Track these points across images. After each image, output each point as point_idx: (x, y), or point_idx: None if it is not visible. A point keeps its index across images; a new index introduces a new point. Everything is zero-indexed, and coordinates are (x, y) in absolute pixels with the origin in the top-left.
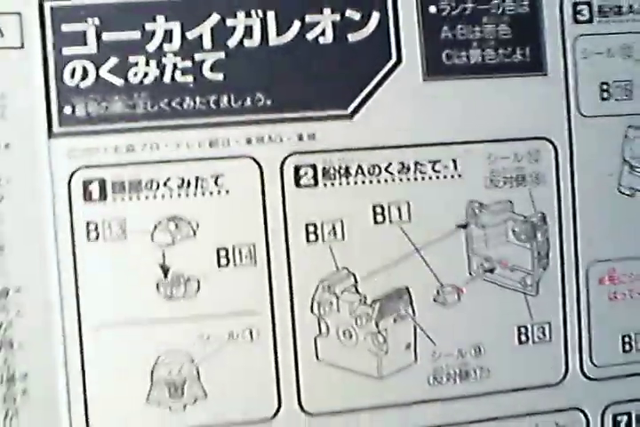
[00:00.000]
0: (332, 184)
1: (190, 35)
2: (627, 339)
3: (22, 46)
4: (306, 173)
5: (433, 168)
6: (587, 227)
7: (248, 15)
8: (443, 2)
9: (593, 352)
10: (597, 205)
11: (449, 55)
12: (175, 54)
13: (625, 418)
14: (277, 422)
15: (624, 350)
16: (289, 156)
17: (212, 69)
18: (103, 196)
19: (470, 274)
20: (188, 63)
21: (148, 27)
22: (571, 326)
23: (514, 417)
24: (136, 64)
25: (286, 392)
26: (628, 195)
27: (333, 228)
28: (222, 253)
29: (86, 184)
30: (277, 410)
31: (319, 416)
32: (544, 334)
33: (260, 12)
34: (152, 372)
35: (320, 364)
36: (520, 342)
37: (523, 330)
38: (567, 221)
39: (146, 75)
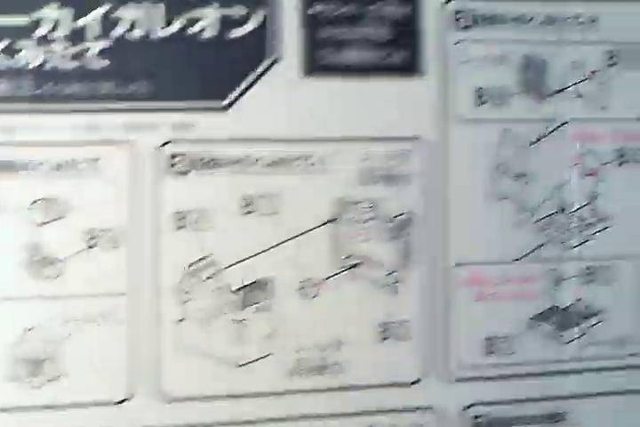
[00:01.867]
0: (204, 174)
1: (79, 23)
2: (490, 341)
3: None
4: (179, 162)
5: (304, 163)
6: (454, 228)
7: (137, 7)
8: (324, 3)
9: (455, 353)
10: (467, 208)
11: (327, 54)
12: (62, 41)
13: (484, 420)
14: (132, 405)
15: (487, 352)
16: (164, 144)
17: (96, 57)
18: None
19: (334, 269)
20: (74, 50)
21: (38, 13)
22: (433, 325)
23: (370, 414)
24: (23, 49)
25: (145, 376)
26: (499, 198)
27: (202, 216)
28: (91, 235)
29: None
30: (133, 393)
31: (175, 402)
32: (405, 332)
33: (148, 4)
34: (14, 348)
35: (180, 349)
36: (381, 339)
37: (384, 327)
38: (435, 222)
39: (32, 59)
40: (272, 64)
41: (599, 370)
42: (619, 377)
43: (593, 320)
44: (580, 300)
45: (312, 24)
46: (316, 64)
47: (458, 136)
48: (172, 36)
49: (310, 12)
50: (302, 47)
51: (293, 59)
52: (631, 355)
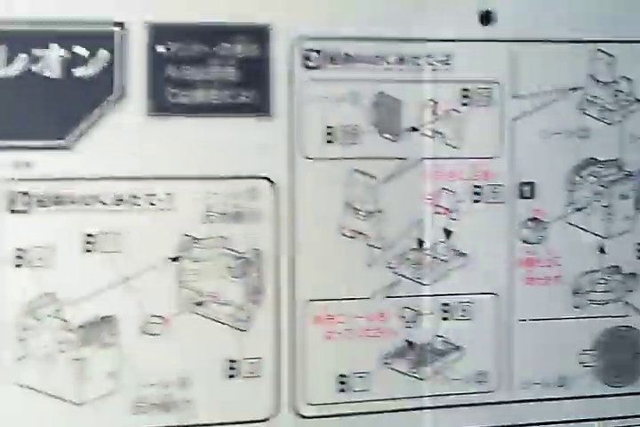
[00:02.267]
0: (46, 211)
1: None
2: (343, 378)
3: None
4: (20, 199)
5: (148, 201)
6: (304, 266)
7: None
8: (171, 42)
9: (306, 390)
10: (317, 245)
11: (174, 94)
12: None
13: None
14: None
15: (340, 390)
16: (3, 182)
17: None
18: None
19: (180, 306)
20: None
21: None
22: (283, 363)
23: None
24: None
25: None
26: (348, 236)
27: (44, 253)
28: None
29: None
30: None
31: None
32: (255, 369)
33: None
34: None
35: (19, 388)
36: (229, 376)
37: (232, 364)
38: (284, 260)
39: None
40: (117, 103)
41: (458, 406)
42: (478, 412)
43: (451, 356)
44: (437, 336)
45: (159, 63)
46: (163, 103)
47: (307, 175)
48: (15, 75)
49: (157, 51)
50: (149, 86)
51: (140, 98)
52: (490, 391)
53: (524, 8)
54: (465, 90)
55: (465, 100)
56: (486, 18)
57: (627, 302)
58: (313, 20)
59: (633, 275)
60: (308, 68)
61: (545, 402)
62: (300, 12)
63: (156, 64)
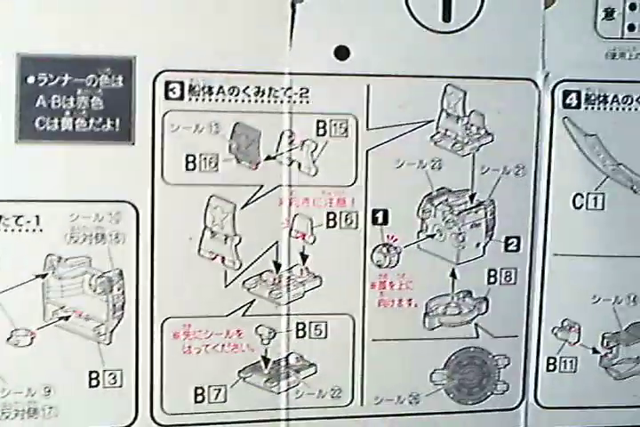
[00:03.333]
0: None
1: None
2: (199, 390)
3: None
4: None
5: (16, 222)
6: (164, 285)
7: None
8: (41, 73)
9: (164, 400)
10: (176, 266)
11: (42, 121)
12: None
13: None
14: None
15: (196, 401)
16: None
17: None
18: None
19: (45, 320)
20: None
21: None
22: (143, 374)
23: None
24: None
25: None
26: (207, 258)
27: None
28: None
29: None
30: None
31: None
32: (115, 380)
33: None
34: None
35: None
36: (91, 385)
37: (94, 375)
38: (144, 279)
39: None
40: None
41: (312, 419)
42: (332, 426)
43: (306, 372)
44: (292, 353)
45: (29, 93)
46: (32, 130)
47: (167, 199)
48: None
49: (28, 82)
50: (18, 114)
51: (9, 125)
52: (346, 405)
53: (378, 44)
54: (321, 121)
55: (321, 131)
56: (342, 53)
57: (477, 325)
58: (175, 52)
59: (483, 299)
60: (170, 98)
61: (398, 417)
62: (163, 44)
63: (26, 93)
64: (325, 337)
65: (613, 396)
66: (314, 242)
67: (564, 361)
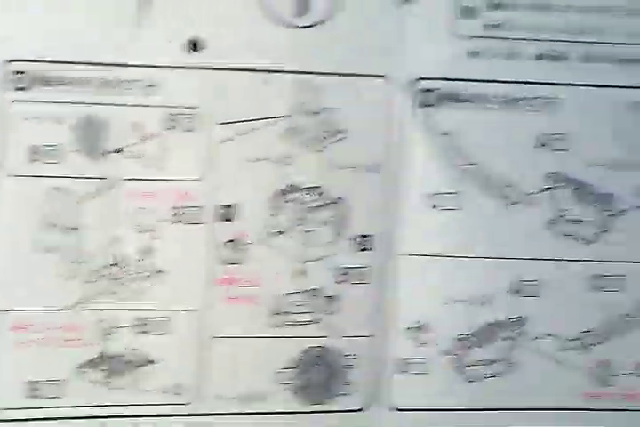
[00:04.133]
0: None
1: None
2: (34, 385)
3: None
4: None
5: None
6: (1, 276)
7: None
8: None
9: None
10: (15, 257)
11: None
12: None
13: None
14: None
15: (30, 396)
16: None
17: None
18: None
19: None
20: None
21: None
22: None
23: None
24: None
25: None
26: (48, 250)
27: None
28: None
29: None
30: None
31: None
32: None
33: None
34: None
35: None
36: None
37: None
38: None
39: None
40: None
41: (153, 416)
42: (174, 423)
43: (146, 368)
44: (132, 349)
45: None
46: None
47: (8, 191)
48: None
49: None
50: None
51: None
52: (186, 404)
53: (230, 38)
54: (170, 115)
55: (169, 125)
56: (194, 46)
57: (326, 324)
58: (22, 42)
59: (332, 297)
60: (14, 88)
61: (241, 415)
62: (8, 34)
63: None
64: (168, 333)
65: (466, 398)
66: (157, 237)
67: (417, 362)
